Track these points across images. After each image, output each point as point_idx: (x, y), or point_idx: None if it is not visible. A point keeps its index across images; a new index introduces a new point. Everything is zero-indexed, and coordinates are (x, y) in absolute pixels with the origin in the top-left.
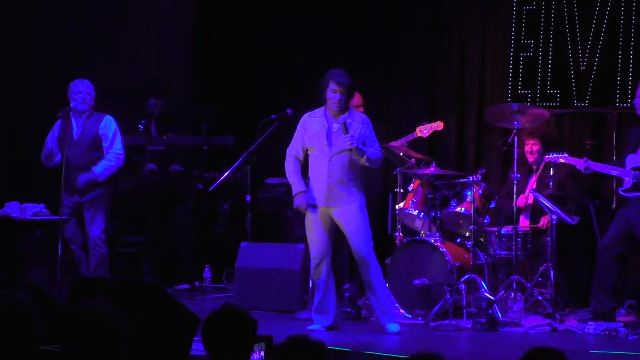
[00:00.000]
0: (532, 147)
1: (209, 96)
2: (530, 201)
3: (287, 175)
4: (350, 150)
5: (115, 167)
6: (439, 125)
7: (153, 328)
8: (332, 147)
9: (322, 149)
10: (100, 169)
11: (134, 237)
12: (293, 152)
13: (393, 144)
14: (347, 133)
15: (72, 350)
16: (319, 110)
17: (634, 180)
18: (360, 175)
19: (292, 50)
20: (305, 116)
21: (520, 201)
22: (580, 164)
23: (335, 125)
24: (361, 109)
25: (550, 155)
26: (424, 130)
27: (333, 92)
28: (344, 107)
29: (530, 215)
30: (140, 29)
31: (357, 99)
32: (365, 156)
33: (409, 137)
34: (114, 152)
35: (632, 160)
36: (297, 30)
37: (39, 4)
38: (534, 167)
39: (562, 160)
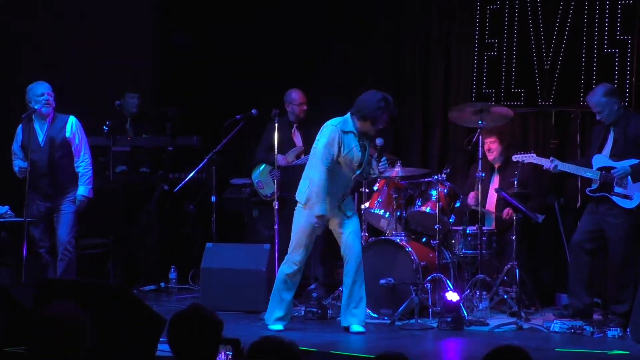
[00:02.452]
0: (490, 145)
1: (172, 97)
2: (494, 209)
3: (317, 189)
4: (381, 173)
5: (92, 174)
6: None
7: (118, 330)
8: (360, 168)
9: (351, 167)
10: (85, 187)
11: (98, 239)
12: (329, 165)
13: None
14: (382, 156)
15: (37, 351)
16: (348, 123)
17: (601, 180)
18: None
19: (255, 50)
20: (337, 127)
21: (471, 198)
22: (547, 163)
23: (361, 144)
24: (304, 107)
25: (518, 155)
26: None
27: (384, 123)
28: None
29: (496, 219)
30: (101, 28)
31: (300, 96)
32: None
33: None
34: (85, 160)
35: (598, 160)
36: (259, 30)
37: None
38: (496, 166)
39: (530, 161)
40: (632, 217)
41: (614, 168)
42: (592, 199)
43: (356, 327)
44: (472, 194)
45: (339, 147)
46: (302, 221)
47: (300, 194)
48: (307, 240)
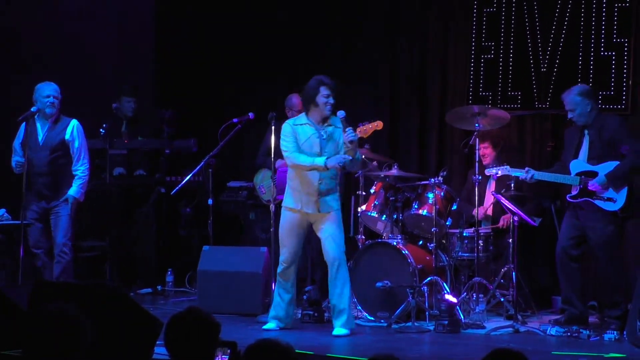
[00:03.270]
0: (483, 150)
1: (170, 99)
2: (490, 212)
3: (301, 163)
4: (352, 142)
5: (87, 179)
6: (378, 124)
7: (115, 332)
8: (323, 154)
9: (314, 155)
10: (77, 189)
11: (95, 241)
12: (295, 149)
13: None
14: (347, 126)
15: (33, 352)
16: (301, 117)
17: (581, 186)
18: (340, 181)
19: (253, 53)
20: (289, 123)
21: (479, 213)
22: (523, 174)
23: (323, 132)
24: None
25: (491, 170)
26: (363, 130)
27: (325, 97)
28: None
29: (491, 221)
30: (100, 30)
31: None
32: (356, 154)
33: None
34: (84, 165)
35: (576, 165)
36: (257, 32)
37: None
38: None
39: (505, 173)
40: (614, 219)
41: (592, 172)
42: (571, 204)
43: (338, 330)
44: (481, 210)
45: (296, 139)
46: (282, 221)
47: (286, 196)
48: (287, 241)
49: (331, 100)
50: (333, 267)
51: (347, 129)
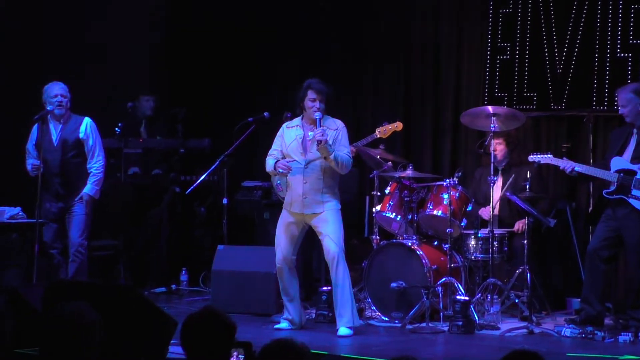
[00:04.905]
0: (496, 146)
1: (184, 99)
2: (497, 212)
3: (266, 166)
4: (320, 142)
5: (102, 176)
6: (398, 125)
7: (129, 331)
8: (308, 155)
9: (298, 156)
10: (92, 187)
11: (108, 240)
12: (273, 154)
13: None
14: (318, 127)
15: (48, 351)
16: (297, 120)
17: (618, 183)
18: (335, 182)
19: (270, 52)
20: (283, 126)
21: (485, 213)
22: (564, 164)
23: (311, 133)
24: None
25: (535, 155)
26: (383, 131)
27: (312, 101)
28: (322, 116)
29: (499, 221)
30: (112, 27)
31: None
32: (332, 155)
33: (369, 139)
34: (98, 162)
35: (617, 162)
36: (275, 31)
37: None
38: (500, 168)
39: (547, 162)
40: None
41: (631, 171)
42: (609, 204)
43: (342, 330)
44: (486, 210)
45: (281, 143)
46: (279, 220)
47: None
48: (279, 239)
49: (318, 105)
50: (332, 265)
51: (313, 130)
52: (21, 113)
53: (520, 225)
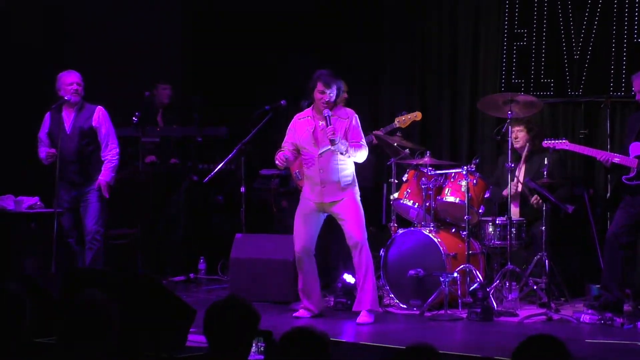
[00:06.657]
0: (517, 133)
1: (201, 87)
2: (520, 189)
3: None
4: (331, 141)
5: (117, 163)
6: (417, 115)
7: (148, 320)
8: (320, 144)
9: (311, 147)
10: (107, 172)
11: (126, 229)
12: (286, 146)
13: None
14: (328, 126)
15: (65, 340)
16: (308, 111)
17: (638, 169)
18: (352, 168)
19: (287, 39)
20: (295, 117)
21: (512, 188)
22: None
23: (322, 123)
24: (345, 95)
25: (549, 142)
26: (402, 120)
27: (321, 93)
28: (331, 107)
29: (520, 202)
30: (128, 16)
31: None
32: (346, 149)
33: (388, 128)
34: (112, 149)
35: (636, 148)
36: (291, 19)
37: None
38: (522, 155)
39: (562, 147)
40: None
41: None
42: (628, 191)
43: (363, 316)
44: (512, 187)
45: (293, 134)
46: (297, 209)
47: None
48: (300, 230)
49: (327, 97)
50: (355, 251)
51: (323, 123)
52: (38, 104)
53: (537, 198)
